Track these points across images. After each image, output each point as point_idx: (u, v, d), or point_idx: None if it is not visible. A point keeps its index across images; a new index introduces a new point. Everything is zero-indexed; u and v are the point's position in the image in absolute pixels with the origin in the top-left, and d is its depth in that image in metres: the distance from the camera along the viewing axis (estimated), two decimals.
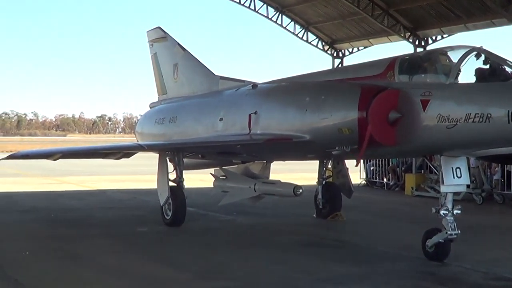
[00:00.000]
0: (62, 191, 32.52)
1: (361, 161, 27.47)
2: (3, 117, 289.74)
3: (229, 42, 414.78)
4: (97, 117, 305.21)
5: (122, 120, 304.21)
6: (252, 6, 37.73)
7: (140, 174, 42.24)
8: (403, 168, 33.95)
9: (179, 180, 20.42)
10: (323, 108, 16.35)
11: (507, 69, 13.38)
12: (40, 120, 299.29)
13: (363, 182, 36.32)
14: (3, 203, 26.49)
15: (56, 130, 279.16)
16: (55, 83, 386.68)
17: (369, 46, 39.08)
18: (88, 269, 13.86)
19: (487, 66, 13.59)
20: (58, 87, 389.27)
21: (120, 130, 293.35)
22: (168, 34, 26.83)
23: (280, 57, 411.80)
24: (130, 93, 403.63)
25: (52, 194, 30.87)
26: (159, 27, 27.36)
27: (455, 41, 34.63)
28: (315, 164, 22.69)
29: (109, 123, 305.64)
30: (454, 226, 14.27)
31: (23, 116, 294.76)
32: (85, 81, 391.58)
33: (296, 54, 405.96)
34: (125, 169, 47.43)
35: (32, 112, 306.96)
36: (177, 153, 20.60)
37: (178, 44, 26.13)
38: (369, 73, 16.15)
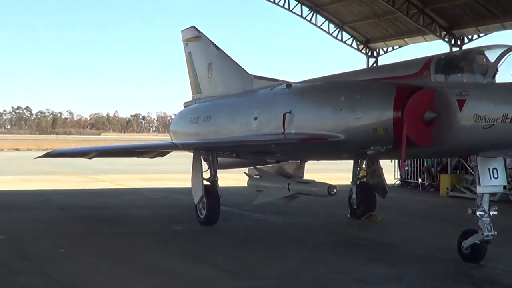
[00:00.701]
0: (97, 189, 32.82)
1: (395, 160, 27.85)
2: (39, 116, 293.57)
3: (263, 41, 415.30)
4: (131, 116, 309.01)
5: (156, 119, 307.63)
6: (286, 5, 37.63)
7: (174, 172, 42.44)
8: (438, 169, 33.68)
9: (213, 179, 20.45)
10: (358, 107, 16.35)
11: None
12: (75, 119, 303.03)
13: (398, 182, 36.09)
14: (39, 201, 26.74)
15: (90, 129, 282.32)
16: (90, 82, 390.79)
17: (404, 45, 38.82)
18: (123, 267, 13.92)
19: None
20: (93, 86, 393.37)
21: (154, 129, 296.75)
22: (202, 34, 26.86)
23: (314, 57, 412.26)
24: (164, 92, 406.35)
25: (87, 192, 31.18)
26: (193, 27, 27.40)
27: (491, 40, 34.36)
28: (349, 164, 22.61)
29: (143, 122, 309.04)
30: (491, 227, 14.10)
31: (58, 115, 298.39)
32: (119, 80, 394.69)
33: (331, 54, 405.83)
34: (159, 168, 47.63)
35: (67, 111, 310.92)
36: (211, 152, 20.60)
37: (212, 43, 26.15)
38: (404, 73, 16.11)
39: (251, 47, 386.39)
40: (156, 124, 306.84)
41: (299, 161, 21.84)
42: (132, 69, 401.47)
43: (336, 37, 39.73)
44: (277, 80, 22.61)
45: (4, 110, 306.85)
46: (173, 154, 23.82)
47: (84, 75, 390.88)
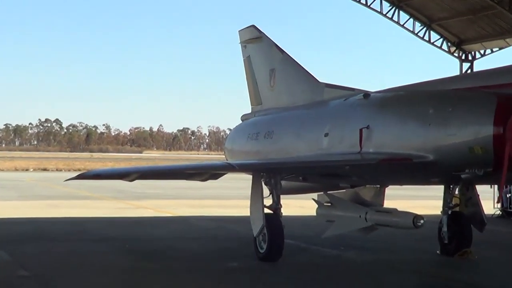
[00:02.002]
0: (138, 217, 32.79)
1: (495, 185, 27.00)
2: (70, 130, 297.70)
3: (335, 44, 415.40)
4: (178, 130, 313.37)
5: (207, 135, 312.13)
6: (363, 0, 37.37)
7: (228, 198, 42.32)
8: None
9: (276, 206, 20.39)
10: (450, 122, 16.50)
11: None
12: (113, 134, 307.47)
13: (498, 212, 35.41)
14: (71, 231, 26.97)
15: (130, 146, 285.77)
16: (130, 92, 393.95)
17: (505, 47, 38.24)
18: None
19: None
20: (133, 96, 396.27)
21: (205, 146, 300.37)
22: (264, 34, 26.91)
23: (396, 61, 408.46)
24: (218, 103, 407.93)
25: (127, 220, 31.21)
26: (253, 26, 27.56)
27: None
28: (439, 189, 22.33)
29: (193, 137, 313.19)
30: None
31: (93, 129, 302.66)
32: (165, 89, 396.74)
33: (416, 57, 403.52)
34: (210, 192, 47.66)
35: (103, 125, 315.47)
36: (274, 174, 20.50)
37: (276, 45, 26.19)
38: (507, 80, 15.96)
39: (320, 51, 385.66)
40: (207, 140, 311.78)
41: (378, 186, 21.75)
42: (179, 76, 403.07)
43: (422, 38, 39.57)
44: (352, 89, 22.59)
45: (30, 123, 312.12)
46: (228, 176, 23.70)
47: (123, 84, 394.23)
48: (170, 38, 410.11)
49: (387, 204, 22.00)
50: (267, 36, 26.79)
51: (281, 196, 20.82)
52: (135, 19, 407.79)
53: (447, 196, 21.71)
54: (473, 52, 39.88)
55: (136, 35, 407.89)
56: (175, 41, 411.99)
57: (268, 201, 20.41)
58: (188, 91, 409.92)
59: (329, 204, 21.80)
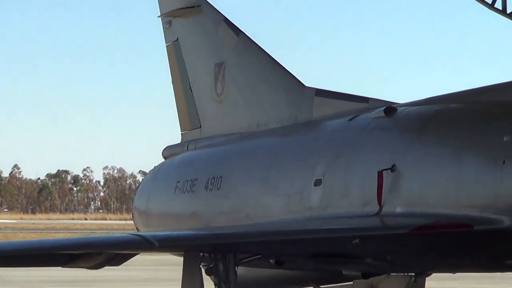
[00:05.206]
0: None
1: None
2: None
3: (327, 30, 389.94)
4: (48, 176, 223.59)
5: (101, 183, 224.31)
6: None
7: None
8: None
9: None
10: None
11: None
12: None
13: None
14: None
15: None
16: None
17: None
18: None
19: None
20: None
21: (98, 203, 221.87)
22: (205, 1, 22.16)
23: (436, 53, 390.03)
24: (120, 128, 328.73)
25: None
26: None
27: None
28: None
29: (75, 188, 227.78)
30: None
31: None
32: (26, 111, 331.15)
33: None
34: None
35: None
36: (223, 255, 15.97)
37: (226, 20, 21.05)
38: None
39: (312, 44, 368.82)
40: (102, 193, 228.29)
41: (412, 274, 17.35)
42: (48, 87, 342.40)
43: None
44: (364, 100, 17.99)
45: None
46: (141, 259, 20.19)
47: None
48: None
49: None
50: (210, 4, 21.52)
51: None
52: None
53: None
54: None
55: None
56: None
57: None
58: (66, 109, 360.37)
59: None
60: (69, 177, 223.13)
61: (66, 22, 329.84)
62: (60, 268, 17.08)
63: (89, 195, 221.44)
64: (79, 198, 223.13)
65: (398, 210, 15.15)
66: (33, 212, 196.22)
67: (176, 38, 22.53)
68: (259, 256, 16.43)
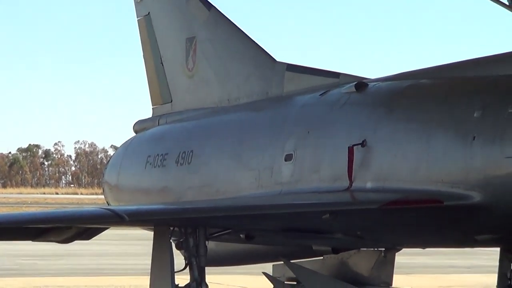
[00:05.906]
0: None
1: None
2: None
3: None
4: (20, 150, 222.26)
5: (73, 157, 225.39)
6: None
7: (110, 274, 33.90)
8: None
9: (197, 285, 15.91)
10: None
11: None
12: None
13: None
14: None
15: None
16: None
17: None
18: None
19: None
20: None
21: (70, 178, 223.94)
22: None
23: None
24: (91, 102, 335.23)
25: None
26: None
27: None
28: (490, 255, 21.08)
29: (46, 163, 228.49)
30: None
31: None
32: None
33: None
34: (77, 264, 36.86)
35: None
36: (194, 230, 15.98)
37: None
38: None
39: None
40: (73, 167, 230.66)
41: (382, 249, 17.49)
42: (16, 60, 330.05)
43: None
44: (335, 75, 18.02)
45: None
46: (112, 233, 20.93)
47: None
48: None
49: (399, 282, 18.81)
50: None
51: (208, 269, 16.21)
52: None
53: (505, 266, 17.77)
54: None
55: None
56: None
57: (183, 278, 15.93)
58: (37, 83, 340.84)
59: (294, 282, 17.64)
60: (40, 152, 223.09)
61: None
62: (31, 242, 17.31)
63: (60, 169, 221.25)
64: (50, 173, 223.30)
65: (369, 185, 15.36)
66: (4, 186, 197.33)
67: (147, 13, 22.77)
68: (229, 230, 16.59)
